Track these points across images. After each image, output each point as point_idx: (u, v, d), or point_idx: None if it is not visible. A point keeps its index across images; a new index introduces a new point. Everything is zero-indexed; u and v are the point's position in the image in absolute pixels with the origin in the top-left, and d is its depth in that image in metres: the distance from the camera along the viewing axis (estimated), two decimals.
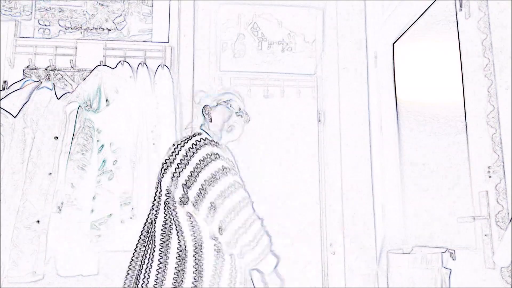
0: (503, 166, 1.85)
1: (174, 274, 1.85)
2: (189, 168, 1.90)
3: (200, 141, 1.95)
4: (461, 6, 2.12)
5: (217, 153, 1.93)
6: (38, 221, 2.51)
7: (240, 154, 2.83)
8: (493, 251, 1.86)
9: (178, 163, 1.92)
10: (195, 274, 1.85)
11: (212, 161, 1.91)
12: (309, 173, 2.91)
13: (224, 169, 1.91)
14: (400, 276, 2.30)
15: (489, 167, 1.91)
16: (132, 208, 2.56)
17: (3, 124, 2.58)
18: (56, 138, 2.59)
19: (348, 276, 2.79)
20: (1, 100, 2.60)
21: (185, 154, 1.92)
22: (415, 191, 2.53)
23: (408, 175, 2.63)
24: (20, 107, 2.60)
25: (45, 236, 2.51)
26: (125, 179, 2.59)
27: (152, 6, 2.94)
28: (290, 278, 2.74)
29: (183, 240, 1.88)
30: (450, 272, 2.11)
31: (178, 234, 1.89)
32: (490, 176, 1.90)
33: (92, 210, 2.55)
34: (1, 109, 2.58)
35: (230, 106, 2.12)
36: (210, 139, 1.99)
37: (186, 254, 1.87)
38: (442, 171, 2.28)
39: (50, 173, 2.55)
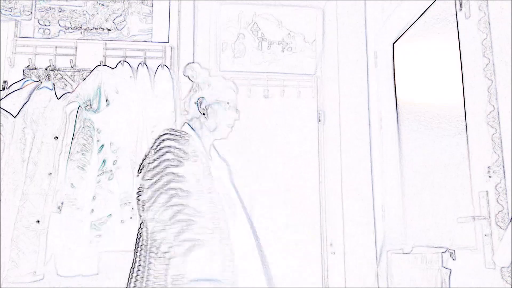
0: (503, 166, 1.85)
1: (154, 273, 1.79)
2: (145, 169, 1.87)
3: (159, 139, 1.89)
4: (461, 6, 2.12)
5: (169, 146, 1.86)
6: (38, 221, 2.51)
7: (240, 154, 2.84)
8: (493, 251, 1.86)
9: (140, 163, 1.92)
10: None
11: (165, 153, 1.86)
12: (309, 173, 2.91)
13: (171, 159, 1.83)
14: (400, 276, 2.30)
15: (489, 167, 1.91)
16: (132, 208, 2.56)
17: (3, 124, 2.58)
18: (56, 138, 2.59)
19: (348, 276, 2.78)
20: (1, 100, 2.60)
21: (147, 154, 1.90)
22: (415, 191, 2.53)
23: (408, 175, 2.62)
24: (20, 107, 2.60)
25: (45, 236, 2.52)
26: (125, 179, 2.59)
27: (152, 6, 2.94)
28: (290, 278, 2.74)
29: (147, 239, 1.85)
30: (450, 272, 2.10)
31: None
32: (490, 176, 1.90)
33: (92, 210, 2.55)
34: (1, 109, 2.58)
35: (228, 104, 2.02)
36: (172, 133, 1.91)
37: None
38: (442, 171, 2.27)
39: (50, 173, 2.55)
